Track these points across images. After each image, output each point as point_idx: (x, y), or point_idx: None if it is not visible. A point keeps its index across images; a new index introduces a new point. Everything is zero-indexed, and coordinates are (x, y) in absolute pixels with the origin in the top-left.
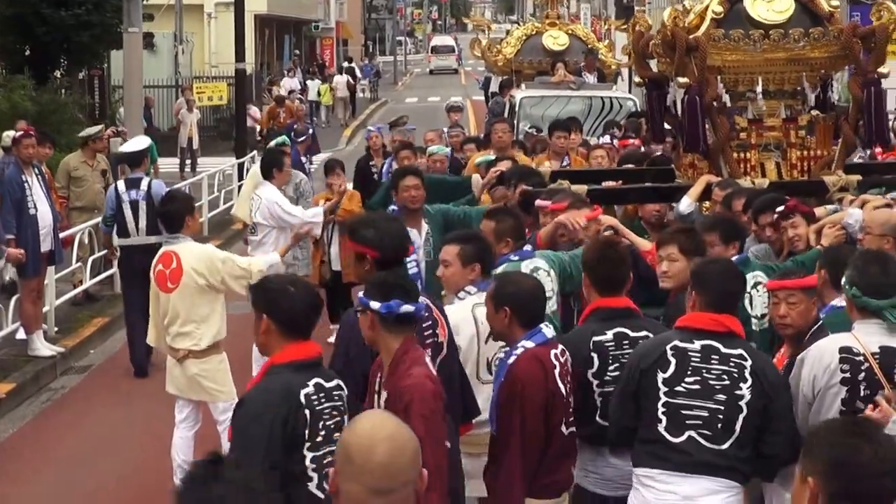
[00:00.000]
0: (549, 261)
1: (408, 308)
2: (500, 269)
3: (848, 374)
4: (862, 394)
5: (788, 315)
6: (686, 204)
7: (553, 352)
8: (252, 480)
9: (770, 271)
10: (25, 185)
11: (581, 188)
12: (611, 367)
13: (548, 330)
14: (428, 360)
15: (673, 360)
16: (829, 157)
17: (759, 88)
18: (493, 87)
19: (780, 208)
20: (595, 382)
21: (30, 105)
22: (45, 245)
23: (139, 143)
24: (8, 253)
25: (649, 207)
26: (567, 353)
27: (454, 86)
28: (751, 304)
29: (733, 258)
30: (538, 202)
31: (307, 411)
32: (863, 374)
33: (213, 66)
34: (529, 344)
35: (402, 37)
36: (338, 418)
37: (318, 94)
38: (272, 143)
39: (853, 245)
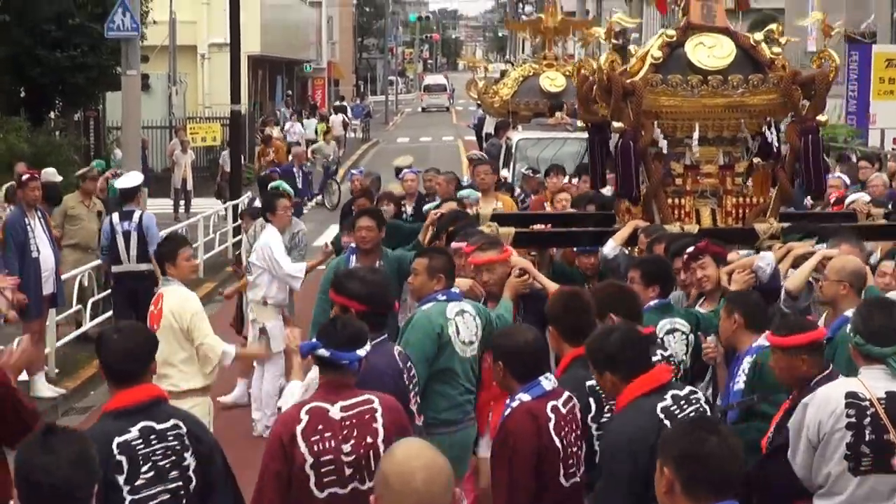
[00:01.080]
0: (478, 308)
1: (322, 352)
2: (426, 307)
3: (853, 419)
4: (867, 438)
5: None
6: (610, 247)
7: (552, 403)
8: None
9: (692, 317)
10: (28, 228)
11: (508, 231)
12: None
13: (547, 382)
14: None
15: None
16: (765, 205)
17: (695, 135)
18: (488, 128)
19: (690, 249)
20: (594, 426)
21: (26, 147)
22: (48, 288)
23: (133, 178)
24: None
25: (584, 259)
26: (573, 400)
27: (445, 125)
28: (664, 347)
29: (653, 302)
30: (452, 244)
31: (123, 457)
32: (868, 419)
33: (207, 106)
34: (526, 397)
35: (394, 76)
36: (173, 457)
37: (316, 132)
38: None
39: (768, 289)
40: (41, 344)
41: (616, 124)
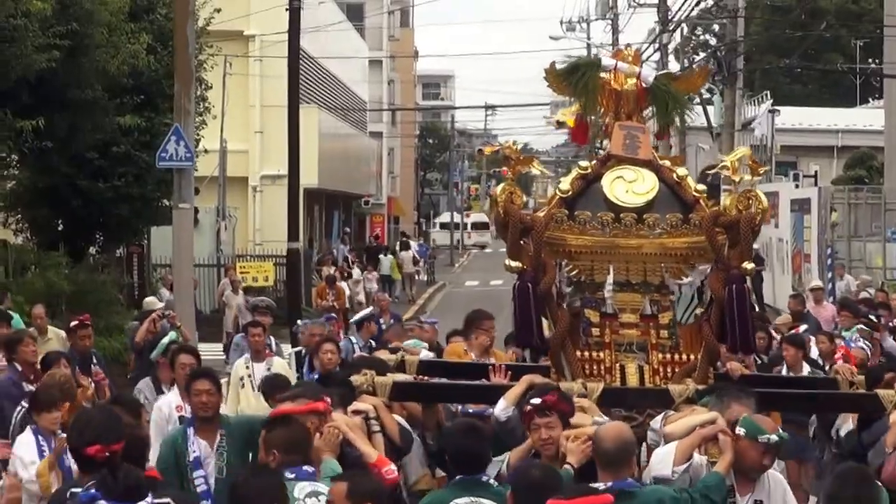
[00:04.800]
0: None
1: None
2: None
3: None
4: None
5: None
6: (501, 407)
7: None
8: None
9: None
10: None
11: (386, 381)
12: None
13: None
14: None
15: None
16: (695, 363)
17: (609, 278)
18: None
19: (535, 401)
20: None
21: (66, 284)
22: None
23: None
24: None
25: None
26: None
27: None
28: None
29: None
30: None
31: None
32: None
33: (258, 243)
34: None
35: (459, 214)
36: None
37: (390, 268)
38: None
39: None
40: None
41: (512, 263)
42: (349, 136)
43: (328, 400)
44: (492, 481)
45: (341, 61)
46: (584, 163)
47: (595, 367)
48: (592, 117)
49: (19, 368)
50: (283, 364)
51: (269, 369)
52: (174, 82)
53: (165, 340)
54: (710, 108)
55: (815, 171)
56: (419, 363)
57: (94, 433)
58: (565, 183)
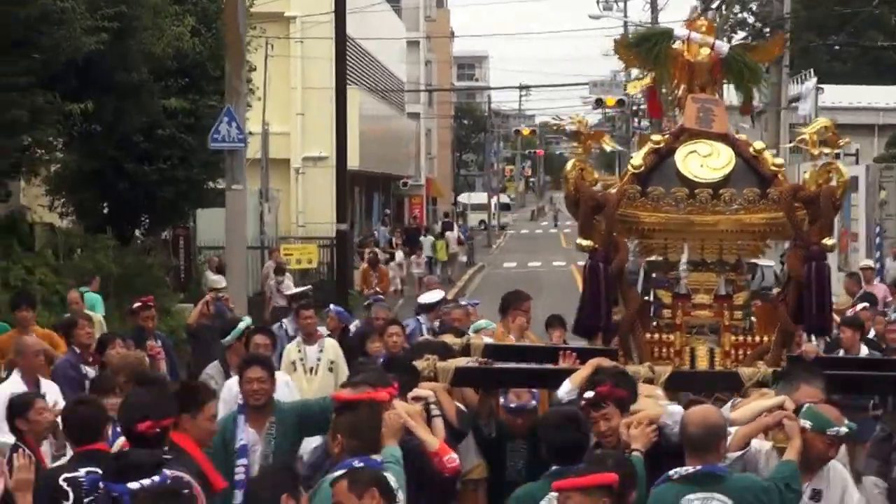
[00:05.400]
0: (399, 475)
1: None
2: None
3: None
4: None
5: None
6: (565, 390)
7: None
8: None
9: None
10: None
11: (448, 366)
12: None
13: None
14: None
15: None
16: (768, 346)
17: (683, 257)
18: None
19: (588, 394)
20: None
21: (114, 267)
22: None
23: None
24: None
25: (510, 417)
26: None
27: (555, 248)
28: None
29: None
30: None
31: None
32: None
33: (301, 225)
34: None
35: (495, 195)
36: None
37: (434, 249)
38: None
39: (676, 451)
40: None
41: (584, 242)
42: (389, 118)
43: (395, 385)
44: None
45: (378, 42)
46: (656, 136)
47: (664, 350)
48: (664, 90)
49: (77, 351)
50: (334, 345)
51: (321, 351)
52: (220, 64)
53: (242, 326)
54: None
55: (856, 150)
56: (485, 346)
57: (145, 410)
58: (637, 158)
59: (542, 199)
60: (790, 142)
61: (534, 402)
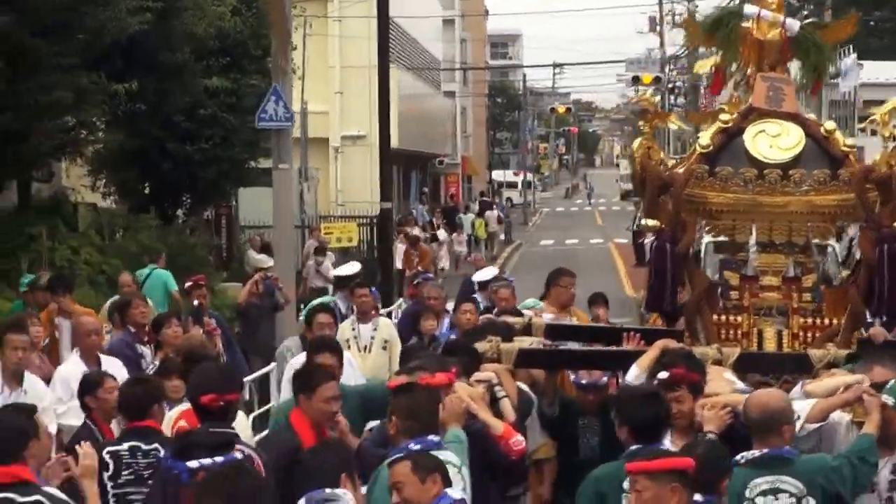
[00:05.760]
0: (461, 453)
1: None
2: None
3: None
4: None
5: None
6: (634, 374)
7: None
8: None
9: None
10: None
11: (512, 347)
12: None
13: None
14: None
15: None
16: (837, 328)
17: (752, 238)
18: None
19: (663, 375)
20: None
21: (159, 247)
22: None
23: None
24: None
25: (582, 394)
26: None
27: (590, 226)
28: None
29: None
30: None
31: None
32: None
33: (340, 204)
34: None
35: (530, 173)
36: None
37: (473, 227)
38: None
39: (743, 430)
40: None
41: (650, 222)
42: (426, 96)
43: (454, 370)
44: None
45: (414, 21)
46: (724, 115)
47: (731, 332)
48: (732, 69)
49: (132, 330)
50: (388, 324)
51: (374, 330)
52: (261, 43)
53: (316, 302)
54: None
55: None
56: (546, 326)
57: (210, 384)
58: (705, 137)
59: (576, 176)
60: (832, 118)
61: (605, 379)
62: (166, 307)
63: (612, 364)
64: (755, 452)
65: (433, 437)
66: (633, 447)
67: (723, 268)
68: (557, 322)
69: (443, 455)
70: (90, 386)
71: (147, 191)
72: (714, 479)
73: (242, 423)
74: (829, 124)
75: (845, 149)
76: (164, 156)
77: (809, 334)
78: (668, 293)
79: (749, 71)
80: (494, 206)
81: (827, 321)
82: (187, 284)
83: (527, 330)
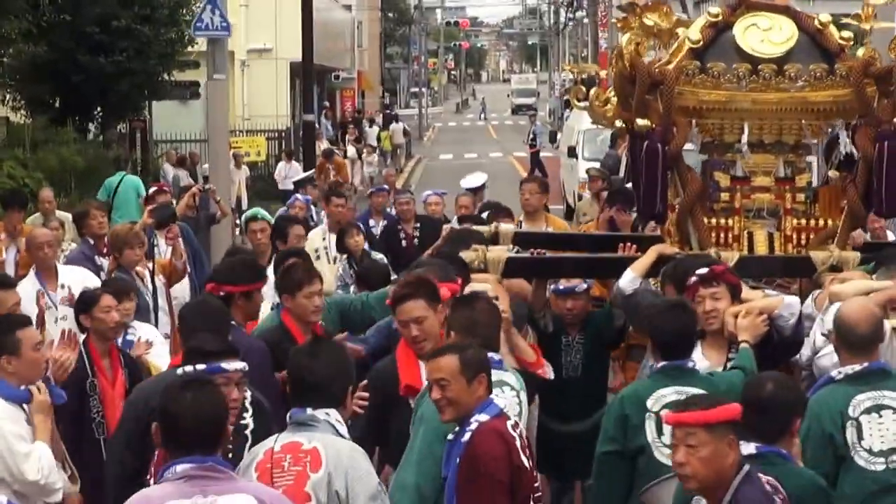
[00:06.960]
0: (520, 381)
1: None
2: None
3: None
4: None
5: (689, 462)
6: (628, 279)
7: (509, 423)
8: None
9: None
10: (156, 249)
11: (499, 256)
12: None
13: (500, 399)
14: None
15: None
16: (833, 229)
17: (744, 138)
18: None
19: (702, 271)
20: None
21: (80, 161)
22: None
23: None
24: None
25: (560, 301)
26: (520, 426)
27: (485, 140)
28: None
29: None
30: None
31: None
32: None
33: (246, 118)
34: (483, 417)
35: (422, 88)
36: None
37: (379, 140)
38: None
39: (787, 344)
40: None
41: (641, 122)
42: (328, 10)
43: (459, 281)
44: (697, 367)
45: None
46: (714, 9)
47: (722, 235)
48: None
49: (91, 241)
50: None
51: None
52: None
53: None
54: None
55: None
56: (514, 234)
57: (213, 274)
58: (695, 32)
59: (465, 91)
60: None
61: (584, 285)
62: (140, 213)
63: (605, 270)
64: (854, 367)
65: (495, 356)
66: (662, 364)
67: (711, 169)
68: (525, 230)
69: (502, 376)
70: (85, 304)
71: (58, 104)
72: (784, 426)
73: None
74: (824, 17)
75: (841, 41)
76: (77, 68)
77: (803, 235)
78: (660, 197)
79: None
80: (399, 119)
81: (821, 222)
82: (151, 191)
83: (494, 239)
